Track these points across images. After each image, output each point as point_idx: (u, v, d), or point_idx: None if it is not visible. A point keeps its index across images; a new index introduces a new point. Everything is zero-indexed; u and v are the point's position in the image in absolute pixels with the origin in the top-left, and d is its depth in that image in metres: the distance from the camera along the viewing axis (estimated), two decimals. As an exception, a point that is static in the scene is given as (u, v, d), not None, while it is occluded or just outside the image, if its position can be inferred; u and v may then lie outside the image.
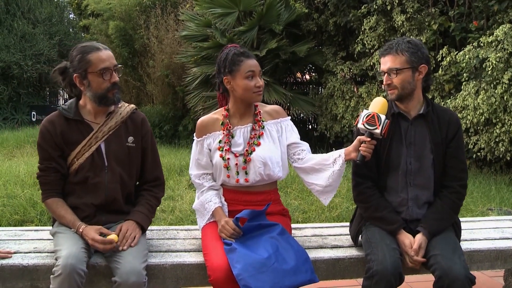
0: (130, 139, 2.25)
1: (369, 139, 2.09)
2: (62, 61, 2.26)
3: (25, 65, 12.50)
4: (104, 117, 2.23)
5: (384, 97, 2.27)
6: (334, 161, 2.20)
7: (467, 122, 5.95)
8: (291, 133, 2.34)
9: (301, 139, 2.36)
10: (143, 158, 2.30)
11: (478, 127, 6.03)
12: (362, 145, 2.11)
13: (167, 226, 3.12)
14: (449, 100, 6.29)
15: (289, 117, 2.40)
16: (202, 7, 8.35)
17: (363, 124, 2.10)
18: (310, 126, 10.31)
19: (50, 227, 2.28)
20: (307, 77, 10.43)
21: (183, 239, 2.42)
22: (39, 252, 2.16)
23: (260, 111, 2.33)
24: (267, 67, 8.14)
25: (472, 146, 6.17)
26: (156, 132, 9.81)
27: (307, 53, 8.25)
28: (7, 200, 4.30)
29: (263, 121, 2.31)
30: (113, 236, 2.03)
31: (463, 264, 1.95)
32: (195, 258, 2.16)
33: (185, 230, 2.56)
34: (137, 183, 2.36)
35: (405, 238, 2.13)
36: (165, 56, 9.66)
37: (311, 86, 10.18)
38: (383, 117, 2.09)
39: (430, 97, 6.79)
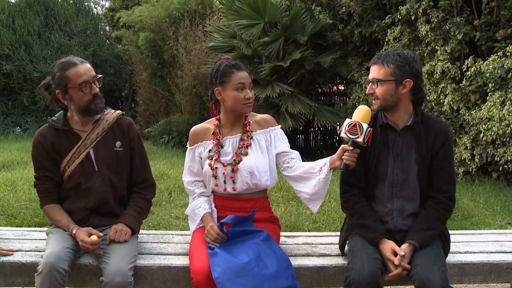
0: (118, 143, 2.36)
1: (351, 148, 2.11)
2: (46, 77, 2.38)
3: (61, 75, 12.94)
4: (91, 125, 2.34)
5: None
6: (320, 169, 2.23)
7: (493, 134, 5.78)
8: (280, 142, 2.38)
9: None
10: (131, 161, 2.39)
11: (505, 139, 5.85)
12: (345, 153, 2.12)
13: (164, 231, 3.20)
14: (474, 111, 6.15)
15: (279, 126, 2.43)
16: (228, 18, 8.50)
17: (345, 133, 2.11)
18: (337, 137, 10.24)
19: None
20: (338, 87, 10.36)
21: (176, 243, 2.49)
22: (39, 251, 2.29)
23: (249, 121, 2.38)
24: (292, 78, 8.19)
25: (499, 159, 5.98)
26: (183, 141, 10.00)
27: (332, 64, 8.25)
28: (29, 203, 4.51)
29: (251, 131, 2.35)
30: (94, 237, 2.15)
31: (442, 276, 1.93)
32: (182, 261, 2.22)
33: (180, 235, 2.63)
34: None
35: (386, 245, 2.11)
36: (193, 66, 9.85)
37: (336, 97, 10.14)
38: (365, 125, 2.10)
39: (455, 107, 6.70)
